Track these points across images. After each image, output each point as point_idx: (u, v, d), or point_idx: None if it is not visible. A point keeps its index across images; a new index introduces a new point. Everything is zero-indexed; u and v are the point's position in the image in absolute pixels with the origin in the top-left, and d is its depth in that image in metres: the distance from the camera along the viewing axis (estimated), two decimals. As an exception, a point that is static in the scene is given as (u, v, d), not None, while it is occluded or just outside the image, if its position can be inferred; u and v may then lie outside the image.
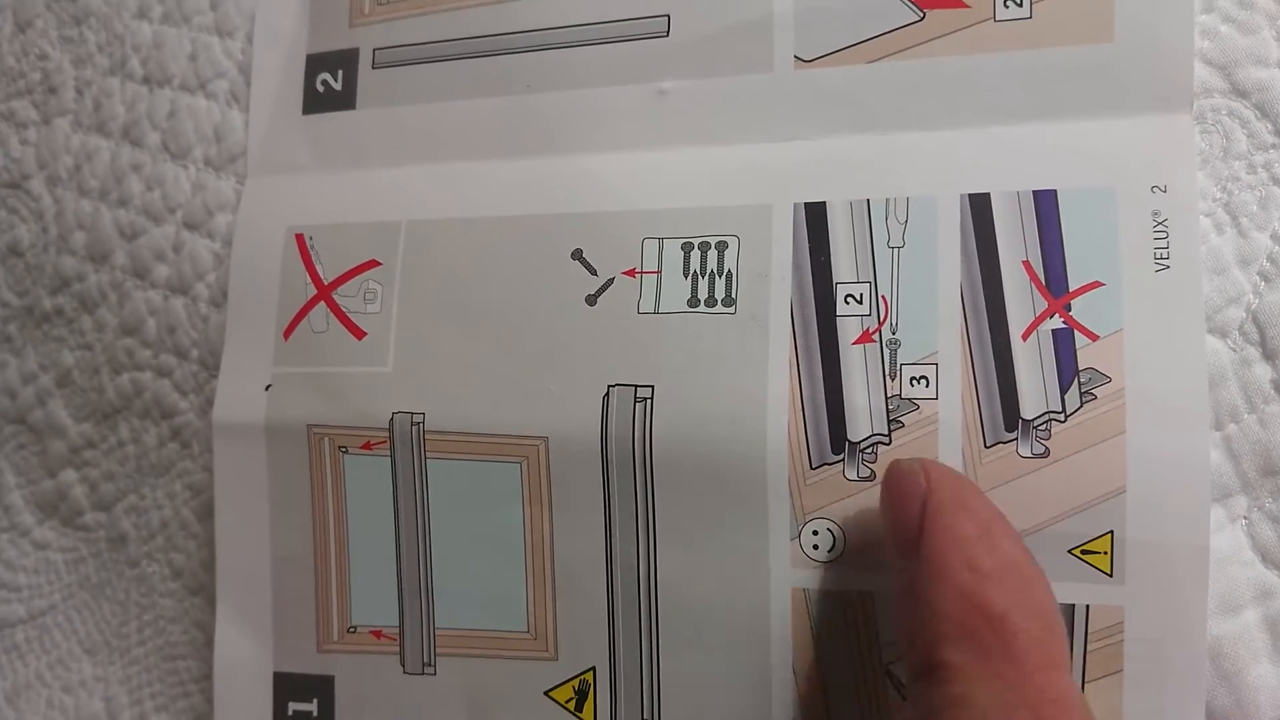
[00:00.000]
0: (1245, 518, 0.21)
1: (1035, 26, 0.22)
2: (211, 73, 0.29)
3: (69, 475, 0.33)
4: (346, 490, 0.26)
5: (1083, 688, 0.21)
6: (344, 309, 0.27)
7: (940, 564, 0.18)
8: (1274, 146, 0.21)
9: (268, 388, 0.27)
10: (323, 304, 0.27)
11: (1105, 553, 0.21)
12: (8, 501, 0.34)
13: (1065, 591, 0.21)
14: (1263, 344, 0.21)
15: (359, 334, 0.26)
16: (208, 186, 0.29)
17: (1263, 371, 0.21)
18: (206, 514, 0.29)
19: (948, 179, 0.23)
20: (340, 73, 0.28)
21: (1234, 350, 0.21)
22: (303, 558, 0.27)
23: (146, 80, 0.30)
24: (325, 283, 0.27)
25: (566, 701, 0.25)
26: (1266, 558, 0.21)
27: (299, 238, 0.27)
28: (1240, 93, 0.21)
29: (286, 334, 0.27)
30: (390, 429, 0.26)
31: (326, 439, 0.26)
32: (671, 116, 0.25)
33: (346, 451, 0.26)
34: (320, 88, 0.28)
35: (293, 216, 0.28)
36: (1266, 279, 0.21)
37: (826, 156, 0.24)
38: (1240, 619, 0.21)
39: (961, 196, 0.23)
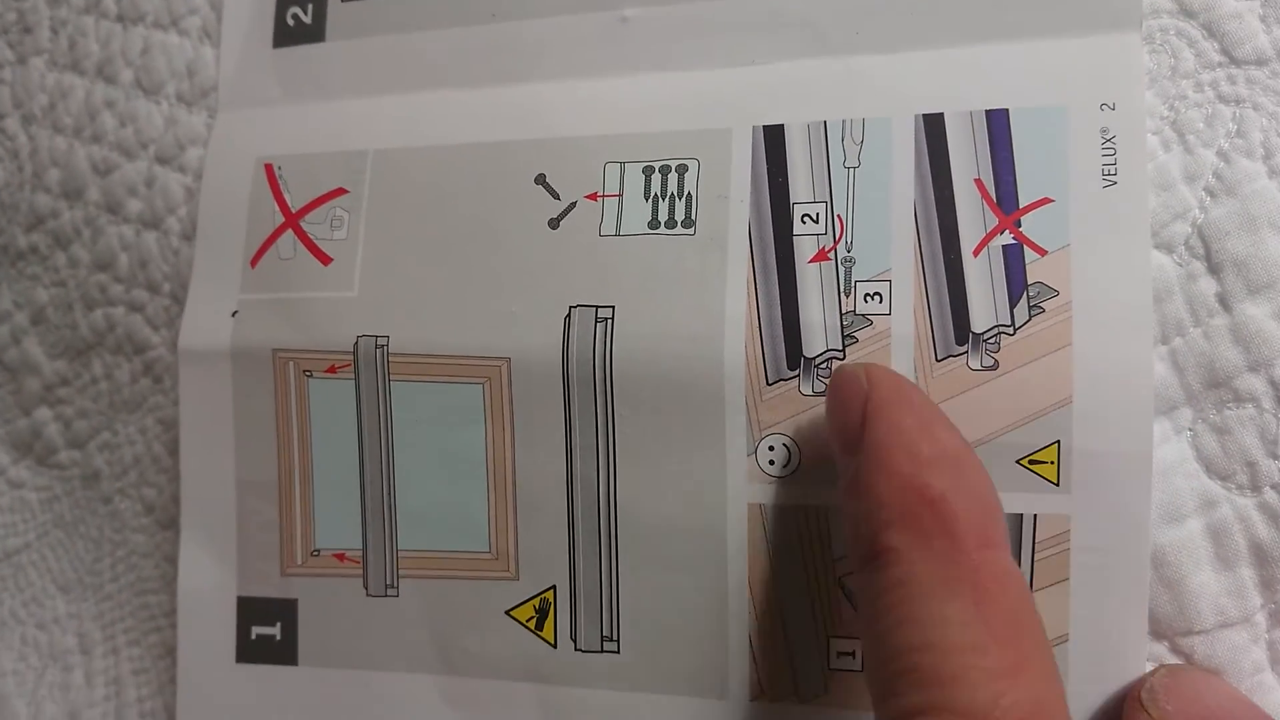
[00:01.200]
0: (1190, 429, 0.21)
1: (988, -51, 0.22)
2: (184, 9, 0.29)
3: (43, 413, 0.32)
4: (311, 414, 0.26)
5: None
6: (311, 236, 0.26)
7: (881, 455, 0.18)
8: (1220, 65, 0.21)
9: (234, 314, 0.27)
10: (290, 231, 0.26)
11: (1052, 462, 0.21)
12: (-17, 441, 0.33)
13: (1013, 501, 0.21)
14: (1208, 258, 0.21)
15: (325, 260, 0.26)
16: (180, 121, 0.29)
17: (1208, 285, 0.21)
18: (178, 448, 0.29)
19: (902, 100, 0.23)
20: (310, 6, 0.27)
21: (1180, 265, 0.21)
22: (267, 482, 0.26)
23: (120, 18, 0.30)
24: (293, 211, 0.27)
25: (527, 620, 0.25)
26: (1210, 469, 0.21)
27: (268, 167, 0.27)
28: (1188, 12, 0.21)
29: (254, 262, 0.27)
30: (354, 352, 0.25)
31: (291, 363, 0.26)
32: (633, 43, 0.25)
33: (311, 375, 0.26)
34: (290, 21, 0.28)
35: (262, 147, 0.27)
36: (1212, 194, 0.21)
37: (784, 80, 0.23)
38: (1184, 528, 0.21)
39: (916, 117, 0.22)
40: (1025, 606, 0.17)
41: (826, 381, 0.22)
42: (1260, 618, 0.20)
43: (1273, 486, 0.20)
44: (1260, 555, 0.20)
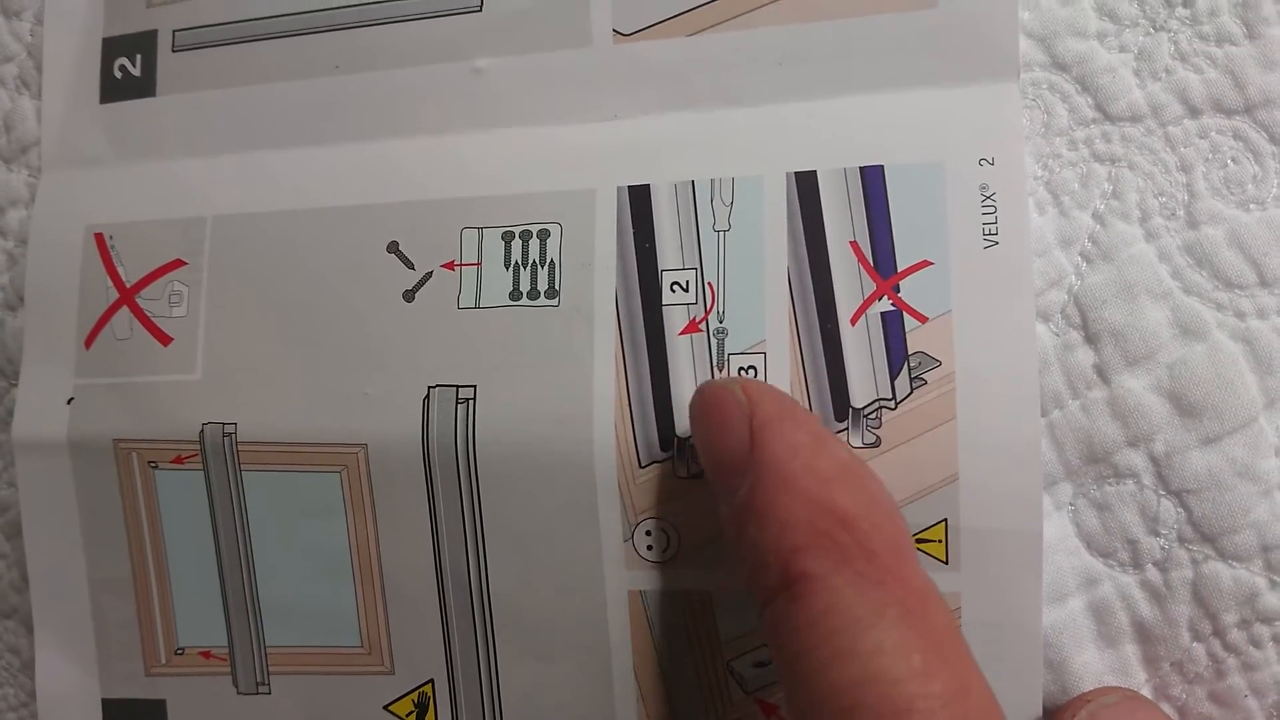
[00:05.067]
0: (1070, 505, 0.19)
1: (856, -6, 0.20)
2: (-2, 57, 0.26)
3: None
4: (160, 507, 0.23)
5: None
6: (148, 313, 0.23)
7: (781, 474, 0.16)
8: (1095, 122, 0.19)
9: (70, 401, 0.24)
10: (125, 308, 0.24)
11: (940, 541, 0.20)
12: None
13: (899, 582, 0.20)
14: (1085, 327, 0.19)
15: (165, 340, 0.23)
16: (-2, 182, 0.25)
17: (1085, 356, 0.19)
18: (15, 532, 0.26)
19: (773, 157, 0.21)
20: (139, 57, 0.24)
21: (1056, 334, 0.19)
22: (121, 579, 0.24)
23: (-73, 66, 0.26)
24: (128, 286, 0.24)
25: (407, 715, 0.23)
26: (1091, 545, 0.19)
27: (99, 237, 0.24)
28: (1060, 66, 0.20)
29: (88, 342, 0.24)
30: (201, 441, 0.23)
31: (135, 454, 0.23)
32: (487, 97, 0.22)
33: (157, 466, 0.23)
34: (118, 73, 0.24)
35: (91, 214, 0.24)
36: (1088, 260, 0.19)
37: (649, 136, 0.21)
38: (1066, 607, 0.19)
39: (787, 175, 0.21)
40: (950, 621, 0.16)
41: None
42: (1145, 693, 0.19)
43: (1155, 564, 0.19)
44: (1143, 633, 0.19)
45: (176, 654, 0.24)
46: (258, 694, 0.23)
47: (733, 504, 0.17)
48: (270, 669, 0.23)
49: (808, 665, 0.15)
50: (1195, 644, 0.19)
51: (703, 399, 0.18)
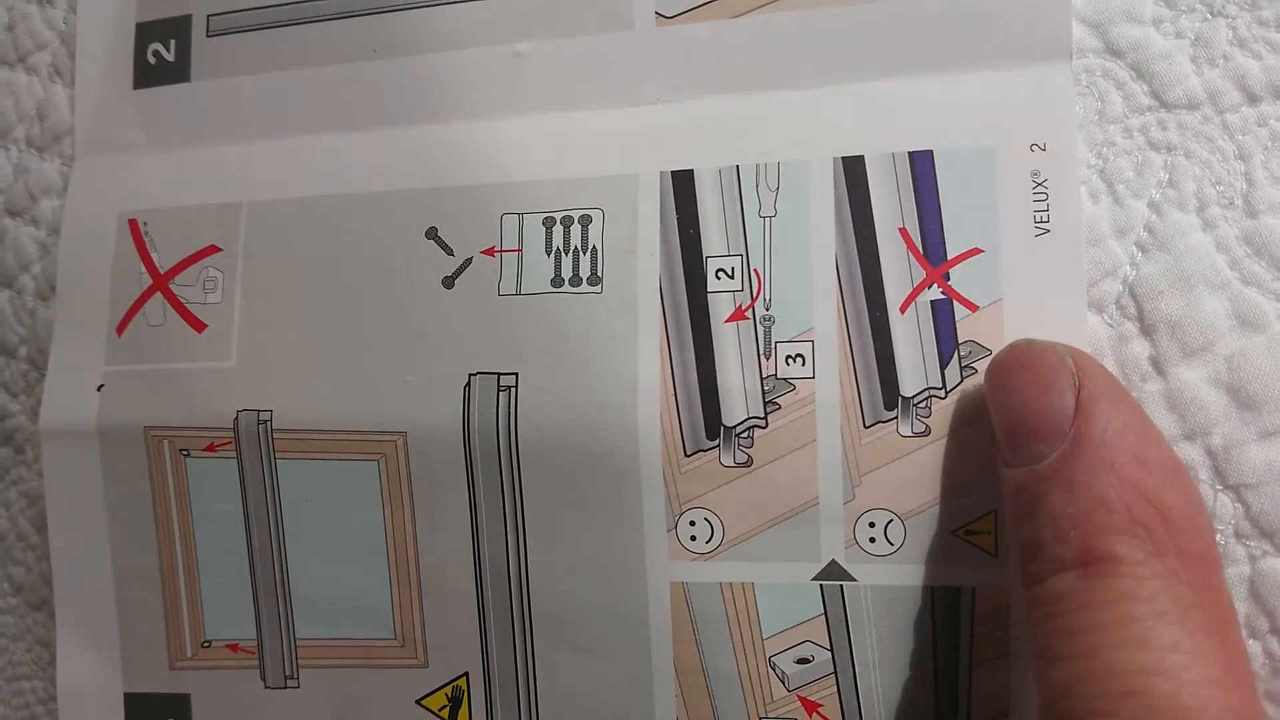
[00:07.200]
0: (1127, 493, 0.19)
1: (905, -22, 0.20)
2: (32, 44, 0.25)
3: (-99, 488, 0.28)
4: (190, 496, 0.23)
5: (970, 672, 0.19)
6: (182, 299, 0.23)
7: (1107, 453, 0.16)
8: (1150, 109, 0.19)
9: (100, 388, 0.23)
10: (159, 295, 0.23)
11: (990, 532, 0.19)
12: None
13: (950, 574, 0.19)
14: (1140, 319, 0.19)
15: (199, 326, 0.23)
16: (30, 169, 0.25)
17: (1141, 348, 0.19)
18: (45, 524, 0.26)
19: (820, 141, 0.20)
20: (173, 42, 0.24)
21: (1111, 325, 0.19)
22: (148, 570, 0.23)
23: (-42, 52, 0.26)
24: (161, 272, 0.23)
25: (440, 710, 0.22)
26: (1148, 532, 0.19)
27: (132, 223, 0.24)
28: (1115, 52, 0.19)
29: (120, 329, 0.23)
30: (235, 428, 0.22)
31: (166, 441, 0.23)
32: (528, 81, 0.22)
33: (189, 454, 0.23)
34: (152, 59, 0.24)
35: (125, 201, 0.24)
36: (1144, 249, 0.19)
37: (693, 120, 0.21)
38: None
39: (835, 160, 0.20)
40: (1243, 645, 0.15)
41: (749, 452, 0.20)
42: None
43: (1215, 557, 0.18)
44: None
45: (203, 647, 0.23)
46: (286, 688, 0.23)
47: (1031, 466, 0.16)
48: (300, 662, 0.23)
49: (1092, 642, 0.15)
50: (1251, 641, 0.18)
51: (1022, 353, 0.17)
